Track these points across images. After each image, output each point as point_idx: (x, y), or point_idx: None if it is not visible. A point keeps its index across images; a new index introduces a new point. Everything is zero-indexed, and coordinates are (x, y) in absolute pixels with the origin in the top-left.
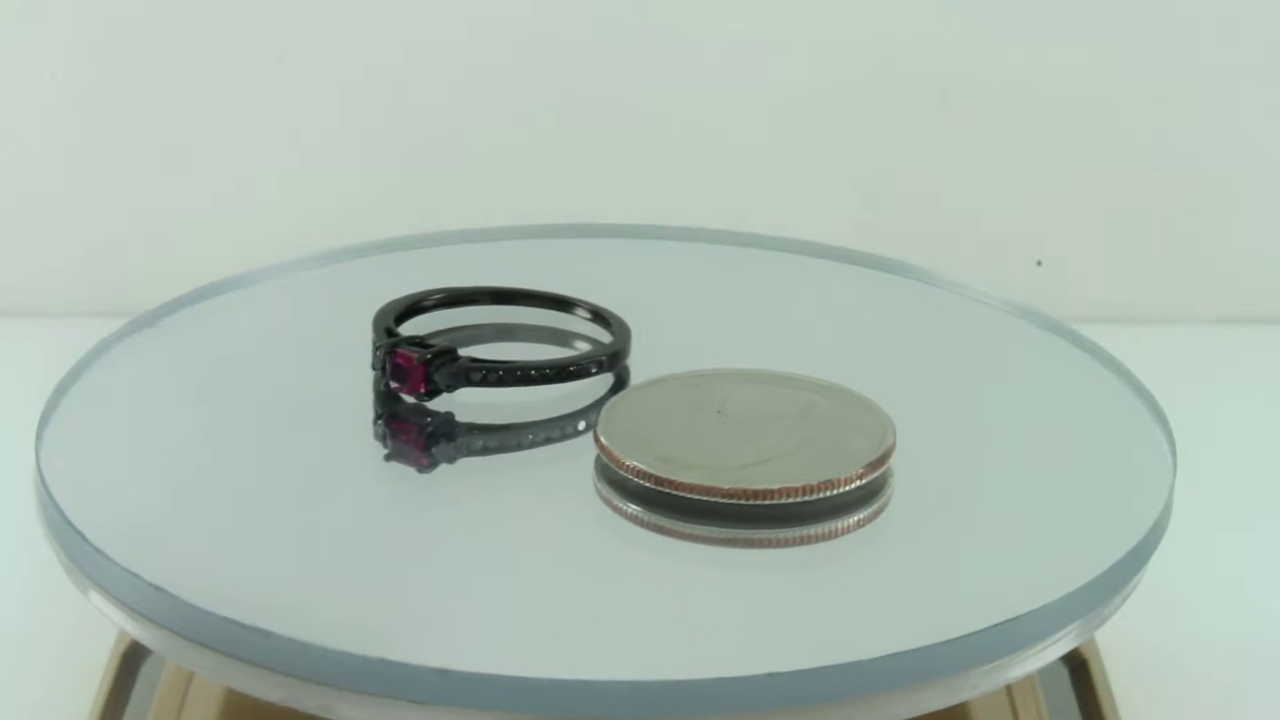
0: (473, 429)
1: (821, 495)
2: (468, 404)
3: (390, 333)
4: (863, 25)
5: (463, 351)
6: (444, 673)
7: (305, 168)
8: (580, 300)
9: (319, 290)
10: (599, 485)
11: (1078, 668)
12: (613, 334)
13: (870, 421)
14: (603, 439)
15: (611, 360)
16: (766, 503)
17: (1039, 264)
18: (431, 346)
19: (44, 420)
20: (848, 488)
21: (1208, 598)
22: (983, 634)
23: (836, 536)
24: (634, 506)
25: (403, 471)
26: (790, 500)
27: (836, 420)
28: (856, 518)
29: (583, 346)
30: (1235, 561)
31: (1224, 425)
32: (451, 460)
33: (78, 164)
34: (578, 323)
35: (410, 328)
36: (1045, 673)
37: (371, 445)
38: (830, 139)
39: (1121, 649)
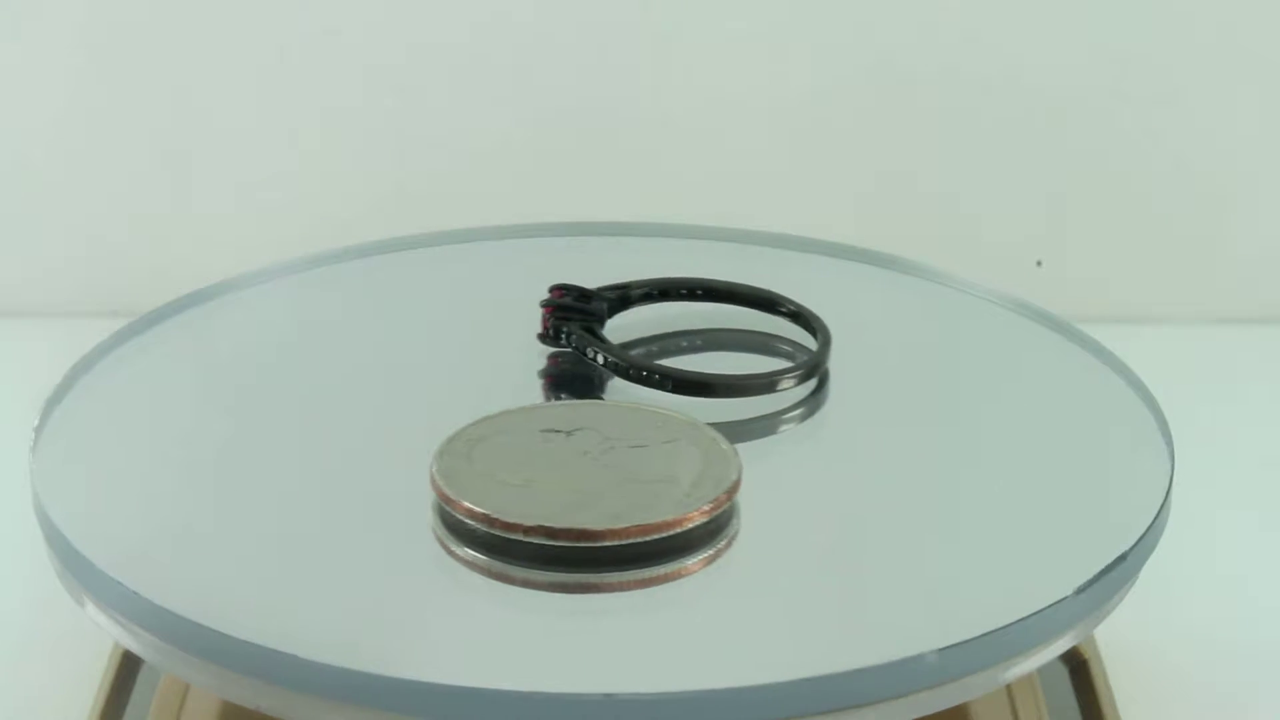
0: (567, 390)
1: (662, 535)
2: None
3: (580, 291)
4: (862, 25)
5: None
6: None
7: (305, 168)
8: (786, 303)
9: (318, 293)
10: (434, 523)
11: (1078, 668)
12: (817, 341)
13: (717, 459)
14: (437, 478)
15: (698, 387)
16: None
17: (1039, 264)
18: (585, 302)
19: (39, 427)
20: (688, 527)
21: (1207, 598)
22: (986, 637)
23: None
24: (469, 550)
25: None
26: (628, 541)
27: (680, 457)
28: (702, 555)
29: (783, 351)
30: (1234, 562)
31: (1224, 425)
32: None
33: (78, 164)
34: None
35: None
36: (1045, 672)
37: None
38: (830, 139)
39: (1121, 649)
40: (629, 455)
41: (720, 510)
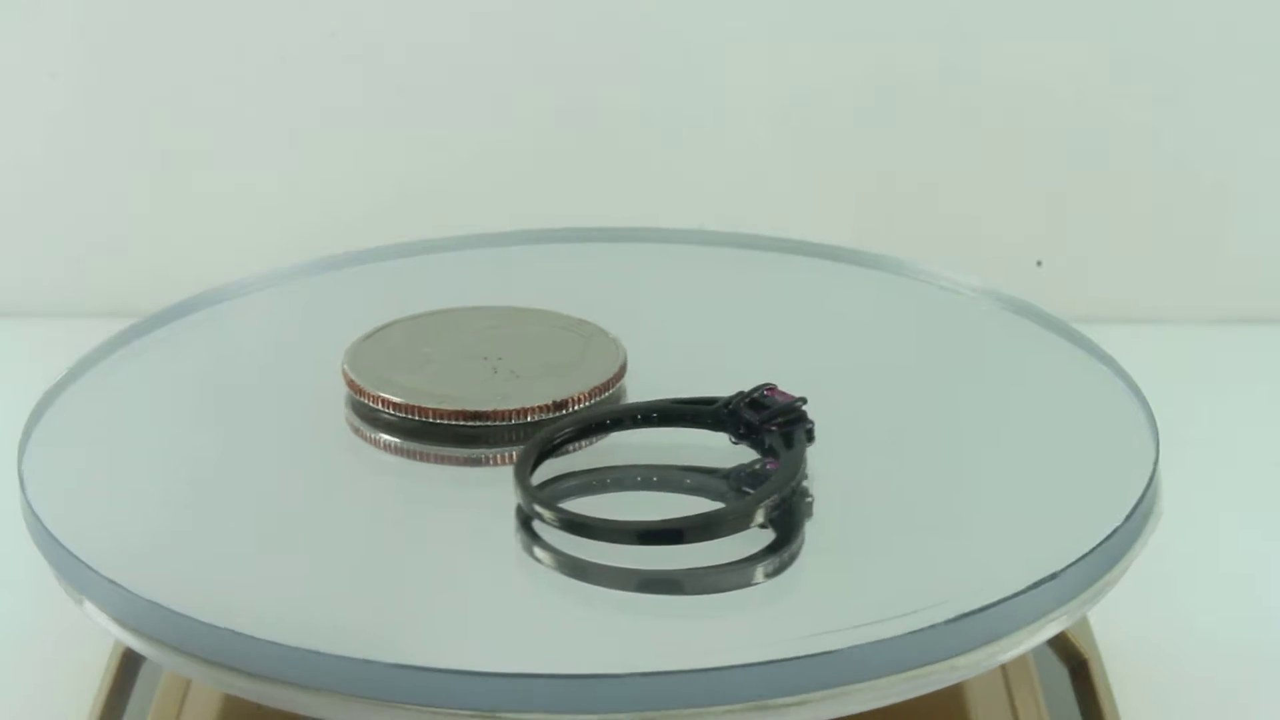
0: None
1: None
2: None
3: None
4: (862, 25)
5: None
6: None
7: (305, 168)
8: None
9: (316, 297)
10: (350, 418)
11: (1078, 668)
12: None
13: (607, 350)
14: (349, 372)
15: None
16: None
17: (1039, 264)
18: (757, 404)
19: (28, 431)
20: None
21: (1207, 597)
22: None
23: None
24: (386, 436)
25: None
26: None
27: (574, 350)
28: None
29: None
30: (1234, 561)
31: (1223, 425)
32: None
33: (78, 164)
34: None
35: None
36: (1045, 672)
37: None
38: (830, 139)
39: (1121, 649)
40: (526, 348)
41: (609, 392)
